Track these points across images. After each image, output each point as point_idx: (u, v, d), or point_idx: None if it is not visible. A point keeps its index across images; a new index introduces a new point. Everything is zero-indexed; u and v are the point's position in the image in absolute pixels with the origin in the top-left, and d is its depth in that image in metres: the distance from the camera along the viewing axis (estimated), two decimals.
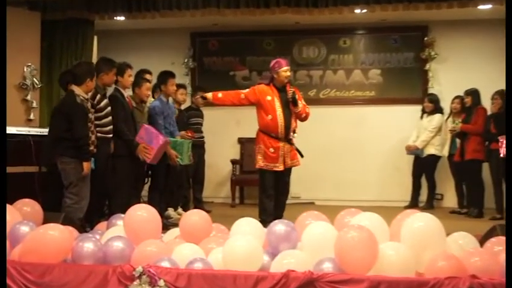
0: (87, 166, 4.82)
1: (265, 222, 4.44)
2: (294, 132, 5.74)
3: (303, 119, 5.82)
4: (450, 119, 7.41)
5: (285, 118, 5.63)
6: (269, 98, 5.67)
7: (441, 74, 8.11)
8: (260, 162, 5.72)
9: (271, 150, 5.67)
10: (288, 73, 5.73)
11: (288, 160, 5.72)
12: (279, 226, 3.52)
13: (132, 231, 3.64)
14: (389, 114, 8.19)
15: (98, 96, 5.27)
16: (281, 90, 5.71)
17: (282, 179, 5.81)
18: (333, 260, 3.14)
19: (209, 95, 5.82)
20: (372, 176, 8.17)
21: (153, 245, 3.44)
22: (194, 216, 3.86)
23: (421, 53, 8.12)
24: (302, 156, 5.82)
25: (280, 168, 5.69)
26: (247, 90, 5.81)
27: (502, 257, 3.06)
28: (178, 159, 6.03)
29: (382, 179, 8.16)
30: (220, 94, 5.79)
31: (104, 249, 3.46)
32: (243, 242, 3.30)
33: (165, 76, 6.24)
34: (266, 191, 5.73)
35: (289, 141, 5.71)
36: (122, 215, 3.91)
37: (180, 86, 6.80)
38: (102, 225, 4.26)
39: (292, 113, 5.69)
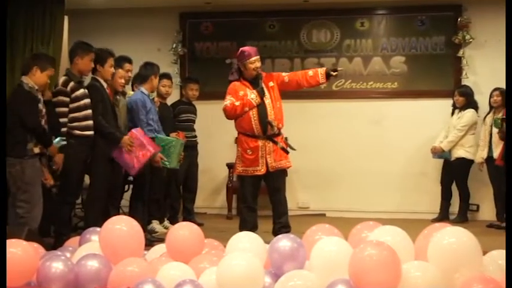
0: (53, 149, 5.02)
1: None
2: (272, 125, 5.74)
3: (302, 85, 5.96)
4: (490, 115, 7.38)
5: (259, 112, 5.75)
6: (241, 93, 5.81)
7: (477, 61, 8.08)
8: (238, 168, 5.88)
9: (249, 152, 5.78)
10: (257, 64, 5.86)
11: (271, 161, 5.78)
12: (283, 242, 3.53)
13: (110, 248, 3.65)
14: (414, 110, 8.17)
15: (72, 84, 5.30)
16: (253, 82, 5.86)
17: (269, 185, 5.90)
18: (347, 282, 3.14)
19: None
20: (394, 183, 8.15)
21: (134, 264, 3.45)
22: (183, 230, 3.87)
23: (454, 37, 8.08)
24: (287, 152, 5.87)
25: (262, 171, 5.78)
26: (229, 98, 5.85)
27: None
28: (165, 162, 6.06)
29: (406, 186, 8.14)
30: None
31: (76, 270, 3.46)
32: (241, 260, 3.31)
33: (153, 68, 6.35)
34: (246, 201, 5.89)
35: (270, 138, 5.79)
36: (98, 229, 3.91)
37: (163, 76, 6.80)
38: (74, 240, 4.26)
39: (268, 106, 5.78)
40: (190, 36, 8.62)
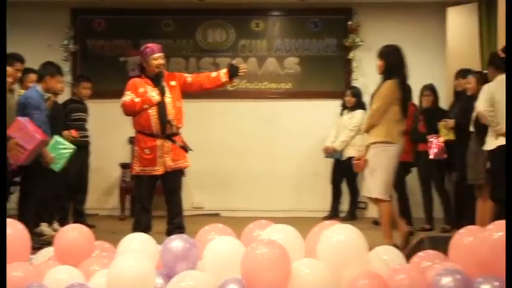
0: None
1: None
2: (171, 124, 5.72)
3: (205, 87, 5.95)
4: None
5: (159, 111, 5.71)
6: (141, 90, 5.75)
7: (366, 64, 8.23)
8: (136, 168, 5.83)
9: (147, 151, 5.73)
10: (161, 61, 5.82)
11: (168, 161, 5.74)
12: (175, 242, 3.49)
13: None
14: (307, 110, 8.33)
15: None
16: (154, 79, 5.80)
17: (166, 185, 5.88)
18: (240, 281, 3.15)
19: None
20: (287, 182, 8.28)
21: (19, 269, 3.33)
22: (72, 232, 3.77)
23: (345, 40, 8.31)
24: (186, 151, 5.87)
25: (160, 171, 5.74)
26: (128, 94, 5.76)
27: (430, 273, 3.20)
28: (56, 165, 5.92)
29: (298, 185, 8.30)
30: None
31: None
32: (132, 262, 3.25)
33: (55, 70, 6.20)
34: (141, 201, 5.87)
35: (168, 137, 5.75)
36: None
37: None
38: None
39: (168, 105, 5.74)
40: (82, 33, 8.42)
